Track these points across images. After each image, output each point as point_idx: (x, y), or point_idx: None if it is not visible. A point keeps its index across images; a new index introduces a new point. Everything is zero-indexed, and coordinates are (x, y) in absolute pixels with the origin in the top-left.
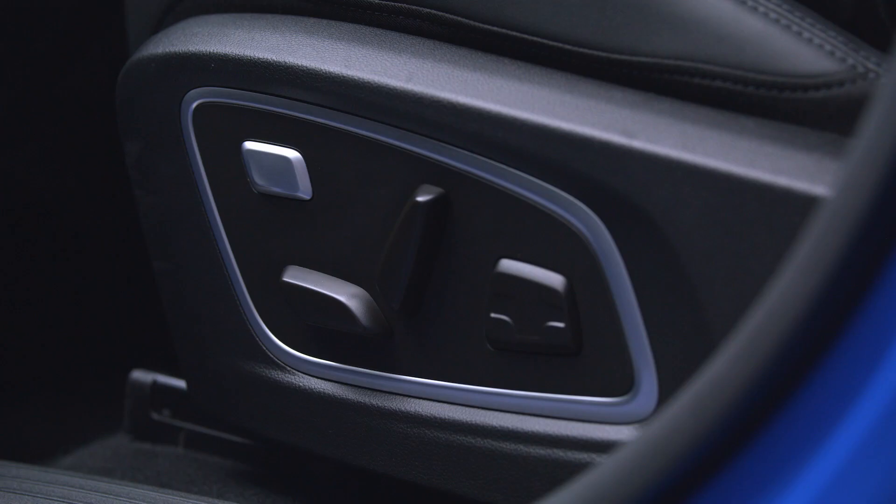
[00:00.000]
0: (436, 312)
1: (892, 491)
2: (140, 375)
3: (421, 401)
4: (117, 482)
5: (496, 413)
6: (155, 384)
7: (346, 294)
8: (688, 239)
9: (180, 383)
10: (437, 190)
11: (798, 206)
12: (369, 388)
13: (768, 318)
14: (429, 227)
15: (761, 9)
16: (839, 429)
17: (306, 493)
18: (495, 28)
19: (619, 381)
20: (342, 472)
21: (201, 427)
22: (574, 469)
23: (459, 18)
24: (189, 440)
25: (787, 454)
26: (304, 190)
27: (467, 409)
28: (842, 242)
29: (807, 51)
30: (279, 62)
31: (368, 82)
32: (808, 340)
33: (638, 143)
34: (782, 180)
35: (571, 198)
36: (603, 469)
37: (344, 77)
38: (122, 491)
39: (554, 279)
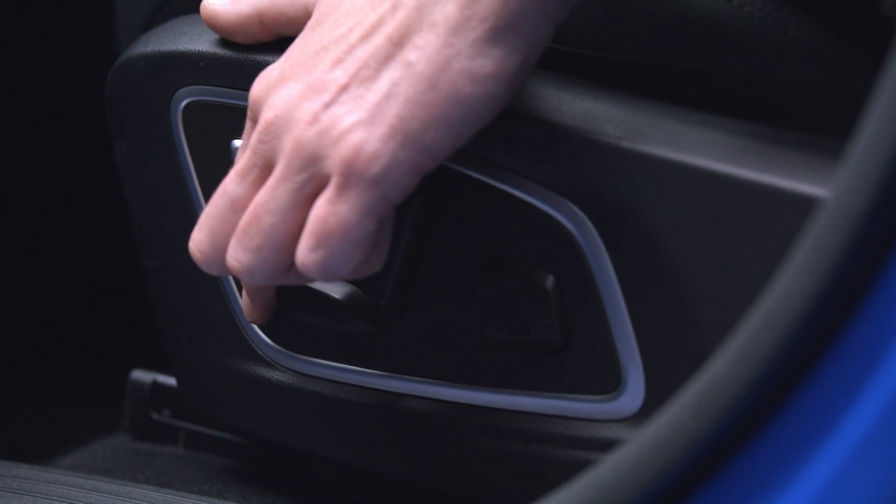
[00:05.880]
0: (424, 310)
1: (893, 491)
2: (140, 375)
3: (409, 398)
4: (117, 482)
5: (485, 411)
6: (155, 384)
7: (338, 291)
8: (674, 236)
9: None
10: (427, 187)
11: (783, 204)
12: (358, 386)
13: (768, 318)
14: (417, 225)
15: (747, 8)
16: (839, 429)
17: (306, 493)
18: None
19: (607, 379)
20: (342, 472)
21: (201, 427)
22: (563, 466)
23: None
24: (189, 440)
25: (787, 454)
26: None
27: (456, 406)
28: (842, 242)
29: (791, 50)
30: (267, 60)
31: None
32: (808, 340)
33: (625, 142)
34: (767, 178)
35: (560, 196)
36: (603, 469)
37: None
38: (122, 491)
39: (542, 277)
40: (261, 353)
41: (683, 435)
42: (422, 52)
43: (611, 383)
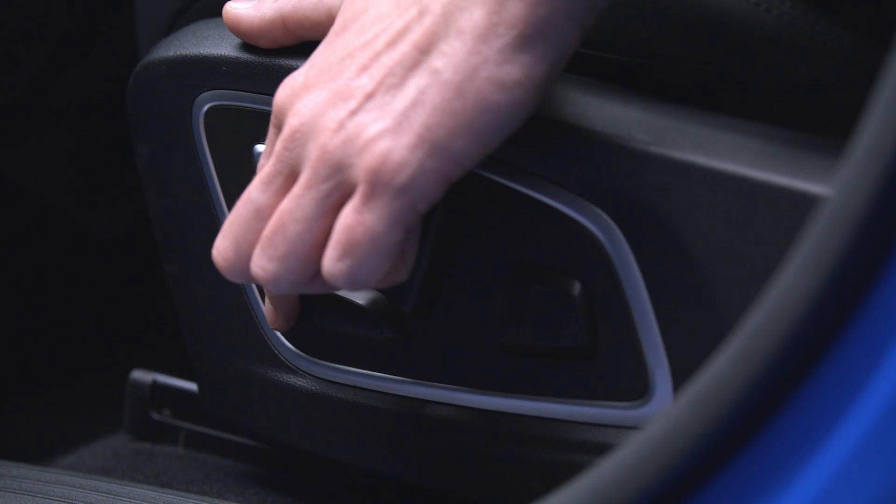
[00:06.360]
0: (449, 316)
1: (893, 491)
2: (140, 375)
3: (434, 405)
4: (117, 482)
5: (511, 418)
6: (155, 384)
7: (362, 297)
8: (703, 242)
9: (180, 383)
10: (452, 192)
11: (813, 209)
12: (382, 392)
13: (768, 317)
14: (443, 230)
15: (775, 12)
16: (839, 429)
17: (306, 493)
18: None
19: (634, 385)
20: (343, 472)
21: (201, 427)
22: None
23: None
24: (189, 440)
25: (788, 454)
26: None
27: (481, 413)
28: (842, 242)
29: (819, 54)
30: (290, 65)
31: None
32: (809, 340)
33: (653, 147)
34: (798, 183)
35: (587, 201)
36: (602, 469)
37: None
38: (122, 491)
39: (569, 283)
40: (283, 359)
41: (683, 435)
42: (449, 59)
43: (639, 390)
